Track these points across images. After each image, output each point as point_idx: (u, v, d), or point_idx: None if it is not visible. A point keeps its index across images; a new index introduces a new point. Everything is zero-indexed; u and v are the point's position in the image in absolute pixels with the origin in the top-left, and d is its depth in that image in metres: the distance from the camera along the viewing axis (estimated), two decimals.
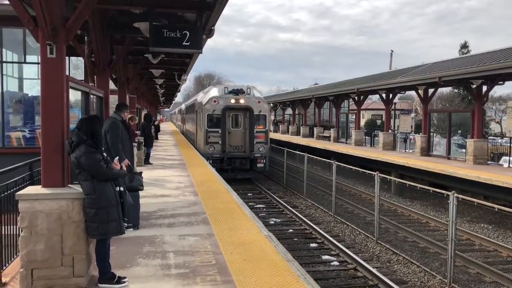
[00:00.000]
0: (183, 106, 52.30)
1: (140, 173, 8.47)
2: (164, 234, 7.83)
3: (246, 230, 8.11)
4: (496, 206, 10.04)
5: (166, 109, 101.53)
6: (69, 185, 5.62)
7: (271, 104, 47.38)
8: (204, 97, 25.05)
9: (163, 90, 36.40)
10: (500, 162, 19.17)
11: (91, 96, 7.64)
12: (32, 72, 13.53)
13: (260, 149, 22.77)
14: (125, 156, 7.93)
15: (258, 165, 22.92)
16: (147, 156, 18.36)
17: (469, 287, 9.89)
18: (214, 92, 23.96)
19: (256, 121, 22.94)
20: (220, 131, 22.36)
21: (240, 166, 22.52)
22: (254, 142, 22.59)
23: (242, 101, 22.80)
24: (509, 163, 19.06)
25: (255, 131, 22.70)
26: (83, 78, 14.59)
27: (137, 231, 8.01)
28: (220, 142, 22.27)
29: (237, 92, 23.10)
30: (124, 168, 5.90)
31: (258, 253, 6.81)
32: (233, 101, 22.70)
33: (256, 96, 23.79)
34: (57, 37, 5.38)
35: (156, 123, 34.85)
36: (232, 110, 22.80)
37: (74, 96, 7.39)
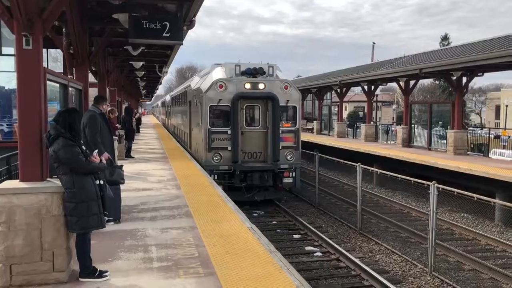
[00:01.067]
0: (167, 97, 42.05)
1: (121, 166, 8.34)
2: (146, 228, 7.77)
3: (229, 223, 8.09)
4: (475, 195, 10.21)
5: (147, 102, 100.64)
6: (47, 179, 5.53)
7: None
8: (203, 81, 17.32)
9: (144, 83, 36.09)
10: (490, 154, 19.41)
11: (70, 88, 7.51)
12: (9, 65, 13.26)
13: (289, 157, 15.90)
14: (105, 150, 7.83)
15: (285, 180, 16.03)
16: (128, 149, 18.17)
17: (449, 275, 10.06)
18: (219, 73, 16.38)
19: (282, 115, 16.13)
20: (229, 132, 15.45)
21: (259, 182, 15.42)
22: (280, 147, 15.68)
23: (261, 86, 15.58)
24: (496, 154, 19.30)
25: (280, 131, 15.75)
26: (62, 71, 14.34)
27: (119, 224, 7.94)
28: (229, 148, 15.38)
29: (254, 72, 15.72)
30: (104, 162, 5.82)
31: (241, 245, 6.81)
32: (248, 86, 15.53)
33: (282, 79, 16.31)
34: (33, 28, 5.26)
35: (137, 116, 34.64)
36: (247, 99, 15.72)
37: (53, 88, 7.26)
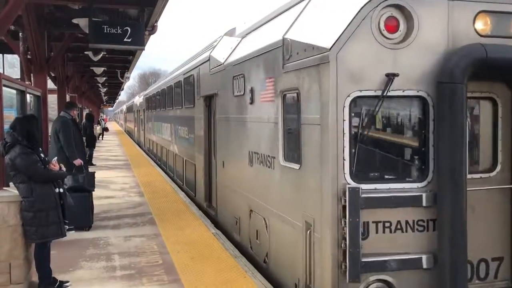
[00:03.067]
0: (139, 99, 28.73)
1: (93, 173, 8.30)
2: (108, 236, 7.62)
3: (193, 229, 8.04)
4: None
5: (109, 108, 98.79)
6: (4, 188, 5.35)
7: None
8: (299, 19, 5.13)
9: (105, 89, 35.50)
10: None
11: (28, 95, 7.32)
12: None
13: None
14: (78, 156, 7.93)
15: None
16: (90, 156, 17.77)
17: None
18: None
19: None
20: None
21: None
22: None
23: None
24: None
25: None
26: (19, 77, 13.94)
27: (81, 233, 7.74)
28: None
29: None
30: (64, 169, 5.68)
31: (206, 251, 6.78)
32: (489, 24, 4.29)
33: None
34: None
35: (104, 126, 34.60)
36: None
37: (9, 95, 7.05)
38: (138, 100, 28.86)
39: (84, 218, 7.79)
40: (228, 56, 7.45)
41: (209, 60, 8.54)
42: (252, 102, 6.18)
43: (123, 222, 8.58)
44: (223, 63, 7.54)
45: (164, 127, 15.61)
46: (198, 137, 9.79)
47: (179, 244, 7.10)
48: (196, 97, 9.90)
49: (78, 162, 7.98)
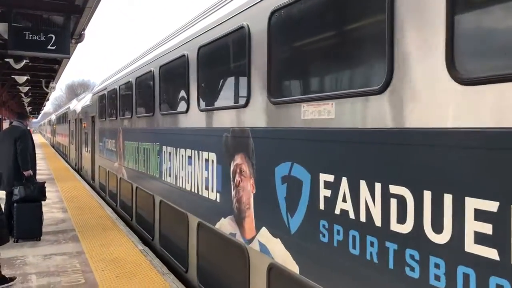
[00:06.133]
0: (78, 105, 21.60)
1: (43, 183, 8.32)
2: (26, 255, 7.12)
3: (120, 246, 7.72)
4: None
5: (34, 120, 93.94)
6: None
7: None
8: None
9: (29, 99, 33.62)
10: None
11: None
12: None
13: None
14: (31, 166, 8.15)
15: None
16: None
17: None
18: None
19: None
20: None
21: None
22: None
23: None
24: None
25: None
26: None
27: None
28: None
29: None
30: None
31: (132, 268, 6.52)
32: None
33: None
34: None
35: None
36: None
37: None
38: (80, 104, 21.14)
39: (36, 228, 7.99)
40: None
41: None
42: None
43: (43, 239, 8.06)
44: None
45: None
46: None
47: (104, 262, 6.78)
48: None
49: (28, 173, 8.10)
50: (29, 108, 46.56)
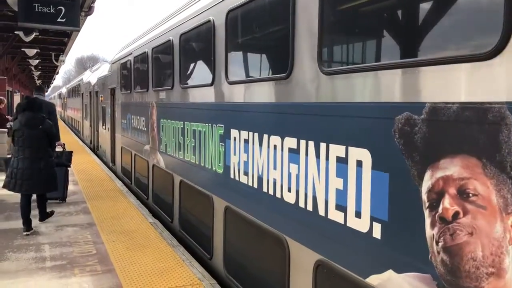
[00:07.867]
0: (93, 76, 19.50)
1: (71, 152, 9.30)
2: (38, 226, 7.27)
3: (130, 218, 7.83)
4: None
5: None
6: None
7: None
8: None
9: (39, 72, 33.72)
10: None
11: None
12: None
13: None
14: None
15: None
16: None
17: None
18: None
19: None
20: None
21: None
22: None
23: None
24: None
25: None
26: None
27: (10, 222, 7.35)
28: None
29: None
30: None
31: (142, 240, 6.62)
32: None
33: None
34: None
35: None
36: None
37: None
38: (95, 74, 19.12)
39: (61, 191, 8.68)
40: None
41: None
42: None
43: (55, 211, 8.19)
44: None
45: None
46: None
47: (115, 234, 6.89)
48: None
49: (60, 142, 8.84)
50: (39, 81, 46.70)
